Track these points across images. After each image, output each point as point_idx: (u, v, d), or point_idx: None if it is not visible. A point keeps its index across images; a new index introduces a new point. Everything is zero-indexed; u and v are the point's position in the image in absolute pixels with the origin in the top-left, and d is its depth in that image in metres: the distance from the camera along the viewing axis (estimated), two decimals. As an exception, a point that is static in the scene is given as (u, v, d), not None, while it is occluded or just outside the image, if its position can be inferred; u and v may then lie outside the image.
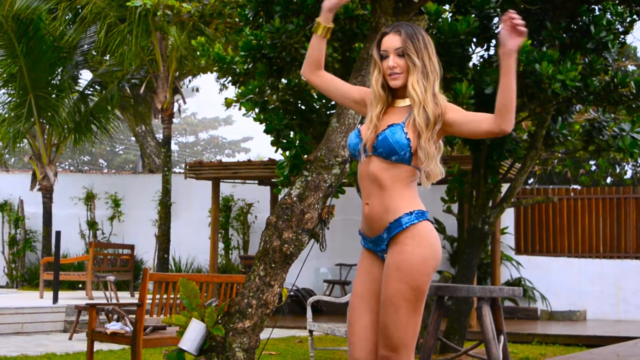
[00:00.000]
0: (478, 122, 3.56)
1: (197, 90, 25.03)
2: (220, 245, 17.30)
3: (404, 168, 3.56)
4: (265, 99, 8.69)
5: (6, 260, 18.85)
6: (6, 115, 17.93)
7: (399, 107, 3.68)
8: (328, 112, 8.82)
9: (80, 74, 19.51)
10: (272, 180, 15.59)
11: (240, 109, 8.83)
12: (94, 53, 18.40)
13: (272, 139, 8.55)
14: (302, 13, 7.97)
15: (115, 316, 7.53)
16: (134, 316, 7.04)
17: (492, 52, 8.92)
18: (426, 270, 3.50)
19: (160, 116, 18.00)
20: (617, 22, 8.78)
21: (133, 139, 34.94)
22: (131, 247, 16.33)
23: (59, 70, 18.04)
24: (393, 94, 3.71)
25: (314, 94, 9.11)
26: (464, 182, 9.49)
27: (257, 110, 8.77)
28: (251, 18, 8.47)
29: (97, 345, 9.17)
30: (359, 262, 3.78)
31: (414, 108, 3.58)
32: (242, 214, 17.79)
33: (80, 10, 17.55)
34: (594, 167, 20.74)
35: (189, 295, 6.05)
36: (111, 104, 18.50)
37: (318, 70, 3.88)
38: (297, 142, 8.11)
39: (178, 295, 6.58)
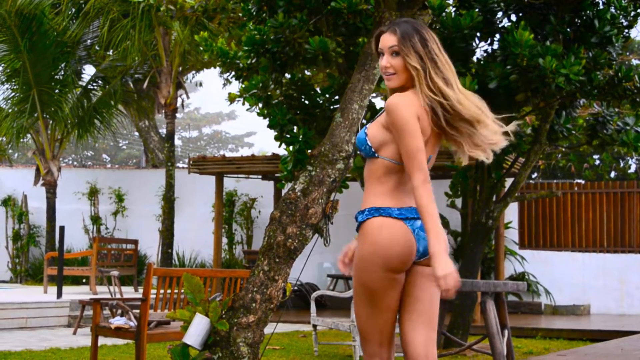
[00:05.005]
0: (408, 168, 3.43)
1: (201, 85, 25.04)
2: (224, 240, 17.30)
3: (375, 162, 3.54)
4: (269, 93, 8.69)
5: (10, 255, 18.87)
6: (9, 111, 17.94)
7: None
8: (332, 107, 8.81)
9: (84, 69, 19.53)
10: (276, 175, 15.59)
11: (243, 103, 8.84)
12: (97, 48, 18.39)
13: (276, 133, 8.55)
14: (306, 8, 7.96)
15: (119, 311, 7.54)
16: (138, 311, 7.05)
17: (495, 46, 8.90)
18: (368, 268, 3.46)
19: (163, 111, 18.00)
20: (621, 16, 8.77)
21: (136, 134, 34.95)
22: (135, 242, 16.35)
23: (62, 65, 18.04)
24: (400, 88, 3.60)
25: (318, 89, 9.11)
26: (468, 176, 9.49)
27: (260, 105, 8.78)
28: (254, 13, 8.47)
29: (101, 340, 9.18)
30: None
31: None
32: (246, 209, 17.80)
33: (83, 5, 17.55)
34: (597, 162, 20.72)
35: (193, 290, 6.06)
36: (114, 99, 18.50)
37: None
38: (301, 137, 8.11)
39: (182, 290, 6.58)
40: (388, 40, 3.54)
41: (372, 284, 3.48)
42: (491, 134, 3.52)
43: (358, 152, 3.65)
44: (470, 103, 3.49)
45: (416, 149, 3.39)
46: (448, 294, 3.33)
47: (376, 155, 3.52)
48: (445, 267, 3.28)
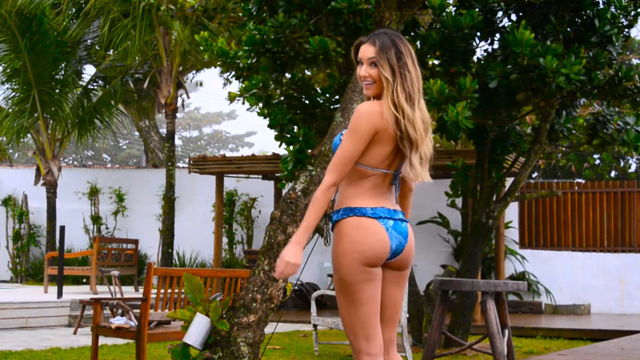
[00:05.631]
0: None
1: (201, 84, 25.02)
2: (224, 239, 17.30)
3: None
4: (269, 93, 8.69)
5: (10, 255, 18.87)
6: (10, 110, 17.94)
7: None
8: (332, 107, 8.81)
9: (84, 69, 19.52)
10: (276, 174, 15.59)
11: (243, 103, 8.84)
12: (98, 48, 18.39)
13: (276, 133, 8.55)
14: (306, 7, 7.97)
15: (120, 311, 7.54)
16: (138, 311, 7.05)
17: (496, 46, 8.90)
18: (347, 263, 3.65)
19: (163, 111, 17.99)
20: (621, 16, 8.77)
21: (137, 133, 34.93)
22: (135, 242, 16.35)
23: (63, 65, 18.04)
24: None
25: (318, 89, 9.10)
26: (468, 176, 9.50)
27: (260, 104, 8.78)
28: (255, 12, 8.47)
29: (102, 340, 9.18)
30: None
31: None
32: (246, 209, 17.80)
33: (83, 5, 17.55)
34: (598, 161, 20.72)
35: (193, 289, 6.06)
36: (115, 98, 18.49)
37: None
38: (301, 136, 8.11)
39: (182, 290, 6.58)
40: (367, 51, 3.72)
41: (351, 277, 3.66)
42: (414, 164, 3.70)
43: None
44: (420, 125, 3.67)
45: (349, 156, 3.63)
46: (277, 275, 3.64)
47: None
48: (293, 256, 3.61)
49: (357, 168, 3.70)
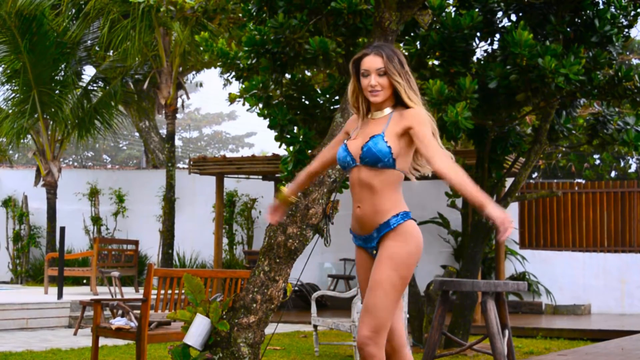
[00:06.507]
0: (431, 154, 3.96)
1: (201, 85, 25.03)
2: (225, 240, 17.29)
3: (390, 172, 4.00)
4: (269, 94, 8.69)
5: (11, 256, 18.87)
6: (10, 111, 17.94)
7: (377, 118, 4.09)
8: (332, 107, 8.81)
9: (84, 70, 19.52)
10: (276, 175, 15.59)
11: (244, 104, 8.84)
12: (97, 49, 18.39)
13: (276, 134, 8.55)
14: (306, 8, 7.96)
15: (120, 311, 7.54)
16: (138, 311, 7.05)
17: (495, 46, 8.90)
18: (411, 262, 3.98)
19: (163, 111, 17.99)
20: (621, 16, 8.77)
21: (137, 134, 34.93)
22: (135, 243, 16.35)
23: (63, 66, 18.04)
24: (369, 106, 4.13)
25: (318, 89, 9.10)
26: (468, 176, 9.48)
27: (260, 105, 8.77)
28: (254, 13, 8.47)
29: (102, 341, 9.18)
30: (356, 260, 4.23)
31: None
32: (246, 209, 17.80)
33: (83, 6, 17.55)
34: (598, 161, 20.72)
35: (193, 290, 6.06)
36: (114, 99, 18.49)
37: (319, 172, 4.48)
38: (301, 137, 8.11)
39: (183, 291, 6.58)
40: (375, 62, 4.02)
41: (409, 273, 3.98)
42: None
43: (363, 164, 4.02)
44: None
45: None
46: (503, 237, 3.99)
47: (395, 167, 4.00)
48: (503, 211, 4.05)
49: (398, 173, 4.02)
